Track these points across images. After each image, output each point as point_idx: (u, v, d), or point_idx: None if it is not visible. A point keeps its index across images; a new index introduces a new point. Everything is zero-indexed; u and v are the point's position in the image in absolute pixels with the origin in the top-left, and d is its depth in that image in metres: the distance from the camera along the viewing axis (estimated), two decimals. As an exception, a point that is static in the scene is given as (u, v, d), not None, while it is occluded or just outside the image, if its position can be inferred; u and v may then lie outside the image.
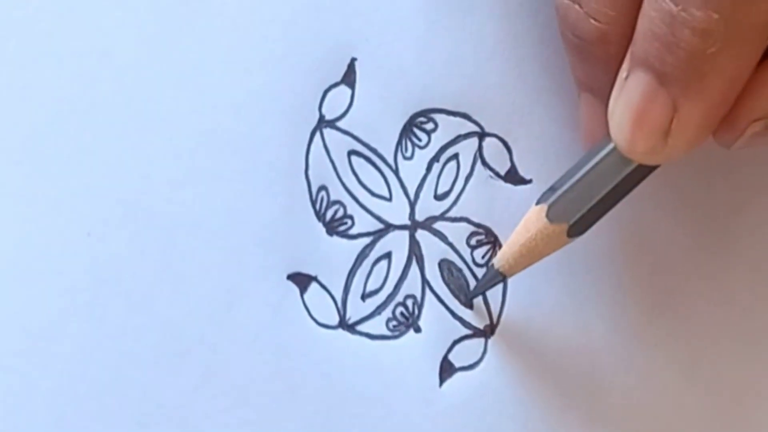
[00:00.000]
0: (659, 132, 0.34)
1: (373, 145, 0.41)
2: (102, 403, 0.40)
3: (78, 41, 0.40)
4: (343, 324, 0.41)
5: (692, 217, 0.41)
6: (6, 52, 0.40)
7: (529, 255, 0.38)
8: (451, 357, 0.41)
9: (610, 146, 0.36)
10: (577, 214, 0.37)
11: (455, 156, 0.41)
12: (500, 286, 0.41)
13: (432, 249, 0.41)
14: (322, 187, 0.40)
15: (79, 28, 0.40)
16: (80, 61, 0.40)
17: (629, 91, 0.34)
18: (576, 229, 0.37)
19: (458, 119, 0.41)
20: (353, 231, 0.41)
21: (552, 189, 0.37)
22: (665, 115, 0.34)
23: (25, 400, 0.40)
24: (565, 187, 0.37)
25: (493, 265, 0.39)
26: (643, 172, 0.36)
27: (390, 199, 0.41)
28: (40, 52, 0.40)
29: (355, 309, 0.41)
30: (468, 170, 0.41)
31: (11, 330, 0.40)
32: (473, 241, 0.41)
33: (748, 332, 0.41)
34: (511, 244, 0.38)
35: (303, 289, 0.40)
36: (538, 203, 0.38)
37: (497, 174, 0.41)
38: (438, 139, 0.41)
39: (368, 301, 0.41)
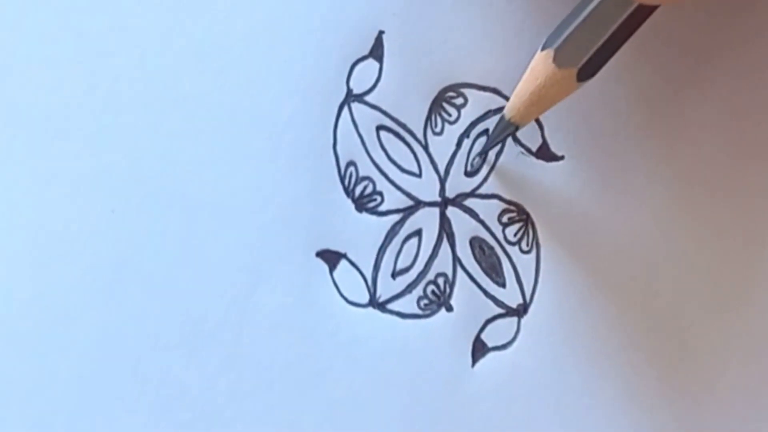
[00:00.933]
0: None
1: (402, 120, 0.40)
2: (124, 385, 0.40)
3: (104, 20, 0.40)
4: (374, 302, 0.40)
5: (726, 199, 0.41)
6: (32, 33, 0.40)
7: (540, 102, 0.38)
8: (483, 336, 0.40)
9: None
10: (585, 57, 0.37)
11: (486, 132, 0.40)
12: (533, 264, 0.40)
13: (463, 226, 0.40)
14: (351, 163, 0.40)
15: (106, 8, 0.40)
16: (100, 38, 0.40)
17: None
18: (585, 73, 0.37)
19: (488, 94, 0.40)
20: (383, 207, 0.40)
21: (556, 33, 0.37)
22: None
23: (47, 380, 0.40)
24: (569, 31, 0.37)
25: (503, 116, 0.39)
26: (645, 11, 0.36)
27: (420, 176, 0.40)
28: (67, 32, 0.40)
29: (386, 287, 0.40)
30: (499, 147, 0.40)
31: (34, 309, 0.40)
32: (505, 219, 0.40)
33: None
34: (519, 93, 0.38)
35: (332, 267, 0.40)
36: (543, 49, 0.37)
37: (529, 150, 0.40)
38: (468, 115, 0.40)
39: (399, 279, 0.40)
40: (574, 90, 0.37)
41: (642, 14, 0.36)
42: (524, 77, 0.38)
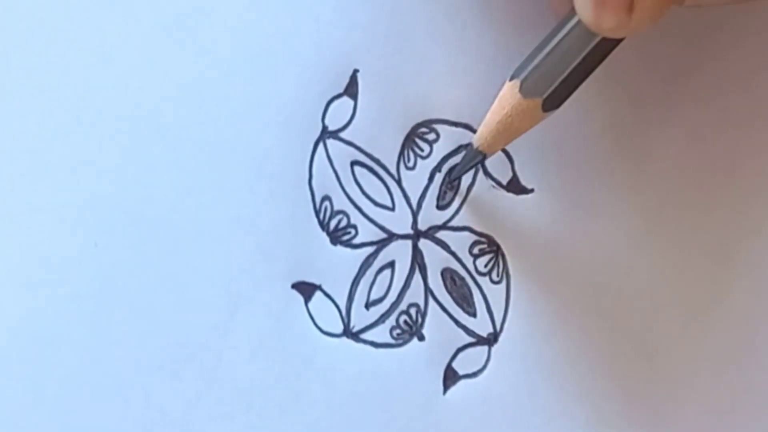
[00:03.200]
0: (622, 8, 0.34)
1: (376, 155, 0.41)
2: (106, 409, 0.40)
3: (81, 53, 0.40)
4: (348, 332, 0.41)
5: (693, 224, 0.41)
6: (10, 65, 0.41)
7: (506, 132, 0.38)
8: (454, 365, 0.41)
9: (576, 19, 0.36)
10: (550, 87, 0.37)
11: (457, 166, 0.41)
12: (503, 294, 0.41)
13: (435, 258, 0.41)
14: (326, 197, 0.41)
15: (82, 40, 0.40)
16: (84, 73, 0.40)
17: None
18: (550, 103, 0.38)
19: (460, 129, 0.41)
20: (357, 240, 0.41)
21: (523, 65, 0.38)
22: None
23: (30, 406, 0.40)
24: (535, 62, 0.37)
25: (472, 144, 0.39)
26: (610, 43, 0.37)
27: (393, 209, 0.41)
28: (44, 64, 0.40)
29: (359, 317, 0.41)
30: (470, 180, 0.41)
31: (18, 337, 0.40)
32: (476, 250, 0.41)
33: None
34: (488, 122, 0.38)
35: (307, 298, 0.41)
36: (511, 79, 0.38)
37: (499, 184, 0.41)
38: (440, 149, 0.41)
39: (372, 309, 0.41)
40: (540, 120, 0.38)
41: (607, 46, 0.37)
42: (492, 107, 0.38)
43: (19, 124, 0.40)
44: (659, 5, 0.34)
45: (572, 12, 0.36)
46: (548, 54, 0.37)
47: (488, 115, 0.38)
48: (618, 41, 0.37)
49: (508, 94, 0.38)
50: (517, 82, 0.37)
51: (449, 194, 0.41)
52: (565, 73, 0.37)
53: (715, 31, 0.42)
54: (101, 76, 0.40)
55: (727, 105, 0.41)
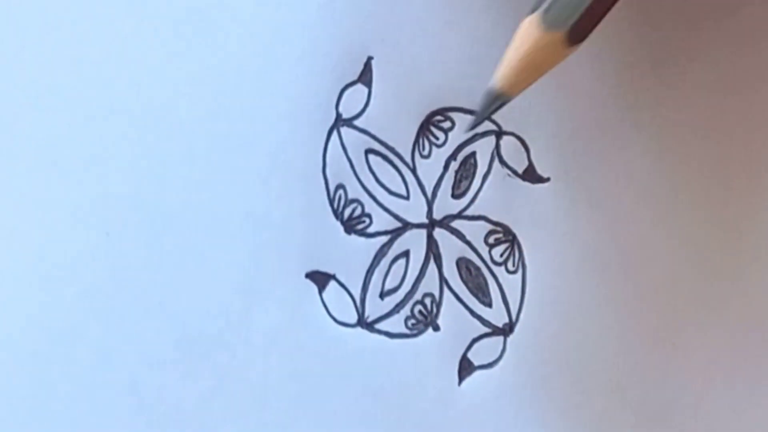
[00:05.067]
0: None
1: (391, 143, 0.41)
2: (119, 404, 0.40)
3: (92, 46, 0.40)
4: (362, 322, 0.41)
5: (711, 214, 0.41)
6: (24, 60, 0.40)
7: (529, 70, 0.35)
8: (470, 355, 0.41)
9: None
10: (574, 16, 0.34)
11: (472, 154, 0.41)
12: (519, 284, 0.41)
13: (450, 247, 0.41)
14: (340, 186, 0.40)
15: (97, 31, 0.40)
16: (98, 64, 0.40)
17: None
18: (575, 36, 0.35)
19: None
20: (371, 229, 0.41)
21: None
22: None
23: (42, 401, 0.40)
24: None
25: (491, 87, 0.36)
26: None
27: (408, 198, 0.41)
28: (56, 59, 0.40)
29: (374, 307, 0.41)
30: (485, 169, 0.41)
31: (29, 330, 0.40)
32: (491, 240, 0.41)
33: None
34: (507, 60, 0.35)
35: (321, 288, 0.40)
36: (530, 13, 0.35)
37: (515, 172, 0.41)
38: (455, 138, 0.41)
39: (387, 299, 0.41)
40: (565, 56, 0.35)
41: None
42: (511, 44, 0.35)
43: (31, 117, 0.40)
44: None
45: None
46: None
47: (508, 52, 0.35)
48: None
49: (528, 28, 0.35)
50: (537, 15, 0.35)
51: (464, 183, 0.41)
52: (589, 2, 0.34)
53: (742, 21, 0.41)
54: (113, 67, 0.40)
55: (750, 95, 0.41)
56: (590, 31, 0.35)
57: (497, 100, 0.36)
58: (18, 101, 0.40)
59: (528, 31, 0.35)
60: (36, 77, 0.40)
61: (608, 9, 0.35)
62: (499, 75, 0.35)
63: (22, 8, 0.40)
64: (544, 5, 0.35)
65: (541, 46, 0.35)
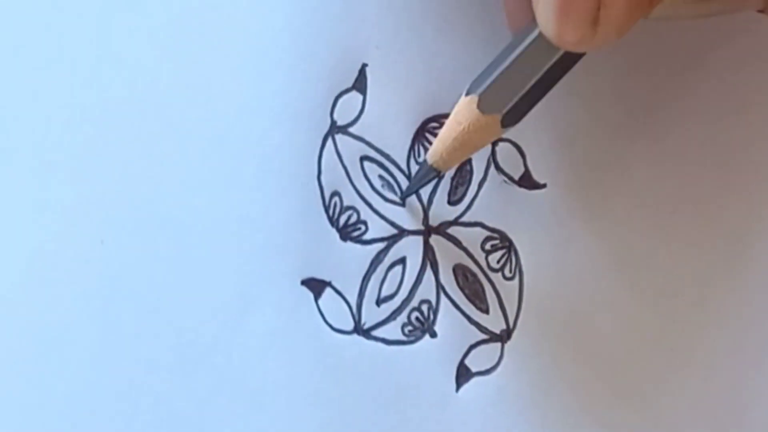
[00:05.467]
0: (587, 21, 0.32)
1: (386, 150, 0.41)
2: (115, 409, 0.40)
3: (91, 50, 0.40)
4: (359, 329, 0.41)
5: (707, 220, 0.41)
6: (19, 63, 0.41)
7: (463, 148, 0.37)
8: (467, 362, 0.41)
9: (537, 31, 0.35)
10: (509, 103, 0.36)
11: (468, 161, 0.41)
12: (516, 291, 0.41)
13: (446, 254, 0.41)
14: (335, 193, 0.40)
15: (92, 37, 0.40)
16: (92, 70, 0.40)
17: None
18: (509, 119, 0.36)
19: (470, 123, 0.41)
20: (367, 236, 0.41)
21: (480, 79, 0.36)
22: (591, 3, 0.32)
23: (38, 406, 0.40)
24: (494, 76, 0.36)
25: (426, 160, 0.38)
26: (572, 57, 0.35)
27: (403, 205, 0.41)
28: (53, 62, 0.40)
29: (370, 314, 0.41)
30: (482, 175, 0.41)
31: (25, 335, 0.40)
32: (488, 246, 0.41)
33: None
34: (443, 138, 0.37)
35: (317, 295, 0.40)
36: (467, 94, 0.36)
37: (511, 179, 0.41)
38: (451, 145, 0.41)
39: (383, 306, 0.41)
40: (499, 136, 0.37)
41: (569, 60, 0.35)
42: (448, 122, 0.37)
43: (25, 121, 0.40)
44: (626, 19, 0.33)
45: (532, 24, 0.35)
46: (507, 68, 0.36)
47: (444, 130, 0.37)
48: (581, 55, 0.35)
49: (465, 109, 0.36)
50: (474, 98, 0.36)
51: (460, 189, 0.41)
52: (526, 89, 0.36)
53: (734, 26, 0.41)
54: (109, 76, 0.40)
55: (745, 101, 0.41)
56: (524, 115, 0.36)
57: (431, 173, 0.38)
58: (13, 109, 0.40)
59: (465, 112, 0.36)
60: (29, 86, 0.41)
61: (542, 96, 0.36)
62: (434, 151, 0.37)
63: (17, 12, 0.41)
64: (481, 89, 0.36)
65: (477, 127, 0.36)
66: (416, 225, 0.41)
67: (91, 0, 0.40)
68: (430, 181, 0.39)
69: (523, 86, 0.36)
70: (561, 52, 0.35)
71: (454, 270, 0.41)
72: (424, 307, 0.41)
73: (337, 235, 0.41)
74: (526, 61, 0.36)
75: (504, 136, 0.40)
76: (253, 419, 0.40)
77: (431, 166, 0.38)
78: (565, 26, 0.33)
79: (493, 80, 0.36)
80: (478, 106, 0.36)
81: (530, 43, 0.35)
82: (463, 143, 0.37)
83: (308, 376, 0.40)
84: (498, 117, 0.36)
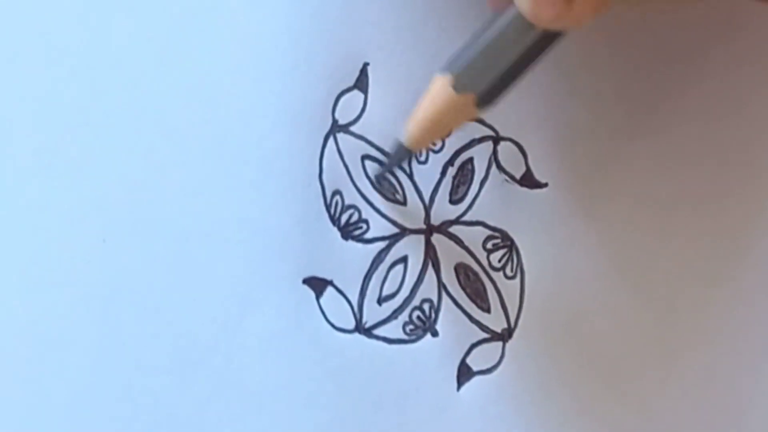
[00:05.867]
0: None
1: (387, 149, 0.40)
2: (116, 409, 0.40)
3: (92, 52, 0.40)
4: (360, 328, 0.41)
5: (709, 219, 0.41)
6: (18, 64, 0.41)
7: (436, 128, 0.36)
8: (468, 361, 0.41)
9: (515, 11, 0.34)
10: (485, 83, 0.35)
11: (470, 160, 0.41)
12: (518, 290, 0.41)
13: (448, 253, 0.41)
14: (336, 192, 0.40)
15: (93, 39, 0.40)
16: (94, 71, 0.40)
17: None
18: (484, 100, 0.36)
19: (472, 123, 0.41)
20: (368, 235, 0.41)
21: (456, 58, 0.36)
22: None
23: (37, 406, 0.40)
24: (470, 55, 0.35)
25: (398, 140, 0.38)
26: (550, 38, 0.35)
27: (405, 204, 0.41)
28: (55, 63, 0.40)
29: (372, 313, 0.41)
30: (483, 174, 0.41)
31: (25, 336, 0.40)
32: (489, 245, 0.41)
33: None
34: (416, 118, 0.37)
35: (319, 294, 0.40)
36: (441, 73, 0.36)
37: (512, 178, 0.41)
38: (452, 144, 0.41)
39: (384, 305, 0.41)
40: (474, 117, 0.37)
41: (546, 40, 0.35)
42: (422, 101, 0.37)
43: (27, 121, 0.40)
44: None
45: (510, 2, 0.34)
46: (484, 48, 0.35)
47: (417, 110, 0.37)
48: (557, 36, 0.35)
49: (440, 88, 0.36)
50: (449, 76, 0.36)
51: (462, 188, 0.41)
52: (502, 69, 0.35)
53: (735, 23, 0.41)
54: (109, 72, 0.40)
55: (746, 99, 0.41)
56: (500, 96, 0.36)
57: (404, 153, 0.38)
58: (14, 109, 0.40)
59: (439, 91, 0.36)
60: (31, 87, 0.40)
61: (519, 76, 0.35)
62: (407, 131, 0.37)
63: (18, 13, 0.41)
64: (457, 68, 0.35)
65: (451, 107, 0.36)
66: (418, 224, 0.41)
67: (93, 2, 0.40)
68: (403, 160, 0.39)
69: (499, 67, 0.35)
70: (538, 32, 0.35)
71: (455, 269, 0.41)
72: (426, 306, 0.41)
73: (338, 234, 0.41)
74: (502, 41, 0.35)
75: (505, 135, 0.40)
76: (254, 418, 0.40)
77: (405, 146, 0.38)
78: (540, 2, 0.33)
79: (468, 59, 0.35)
80: (453, 86, 0.36)
81: (507, 23, 0.35)
82: (436, 123, 0.36)
83: (309, 375, 0.40)
84: (473, 97, 0.36)
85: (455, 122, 0.36)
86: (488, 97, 0.36)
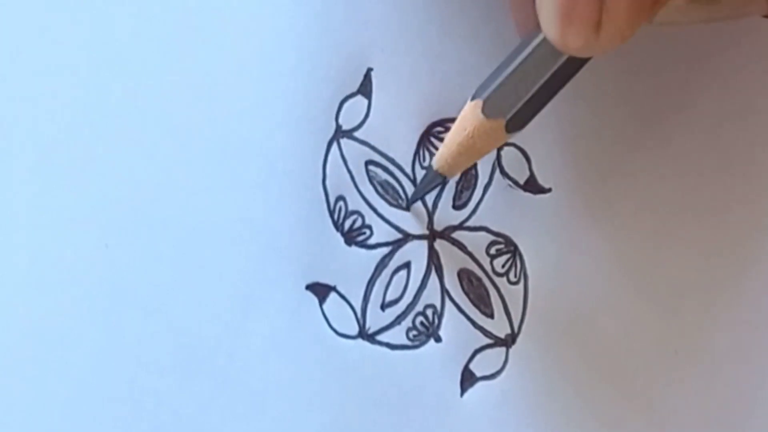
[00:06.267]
0: (590, 25, 0.32)
1: (391, 154, 0.40)
2: (119, 411, 0.40)
3: (95, 55, 0.40)
4: (363, 334, 0.41)
5: (712, 223, 0.41)
6: (21, 65, 0.41)
7: (468, 154, 0.37)
8: (472, 366, 0.41)
9: (542, 36, 0.35)
10: (514, 108, 0.36)
11: (473, 165, 0.41)
12: (521, 295, 0.41)
13: (451, 258, 0.41)
14: (340, 197, 0.40)
15: (96, 41, 0.40)
16: (97, 73, 0.40)
17: None
18: (514, 124, 0.36)
19: (475, 128, 0.41)
20: (372, 241, 0.41)
21: (486, 84, 0.36)
22: (593, 7, 0.32)
23: (41, 408, 0.40)
24: (499, 81, 0.36)
25: (431, 166, 0.38)
26: (577, 63, 0.35)
27: (408, 209, 0.41)
28: (54, 64, 0.40)
29: (375, 319, 0.41)
30: (486, 179, 0.41)
31: (28, 338, 0.40)
32: (493, 251, 0.41)
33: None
34: (448, 143, 0.37)
35: (322, 300, 0.40)
36: (473, 99, 0.37)
37: (516, 183, 0.41)
38: (456, 149, 0.41)
39: (388, 311, 0.41)
40: (503, 141, 0.37)
41: (574, 65, 0.35)
42: (453, 127, 0.37)
43: (29, 124, 0.40)
44: (629, 23, 0.33)
45: (538, 28, 0.34)
46: (512, 73, 0.36)
47: (449, 136, 0.37)
48: (585, 60, 0.35)
49: (470, 114, 0.37)
50: (479, 102, 0.36)
51: (465, 194, 0.41)
52: (530, 94, 0.36)
53: (741, 28, 0.41)
54: (112, 76, 0.40)
55: (750, 105, 0.41)
56: (529, 120, 0.36)
57: (437, 179, 0.38)
58: (16, 112, 0.40)
59: (470, 117, 0.36)
60: (33, 89, 0.40)
61: (547, 101, 0.36)
62: (440, 157, 0.38)
63: (21, 14, 0.40)
64: (486, 94, 0.36)
65: (481, 132, 0.36)
66: (421, 229, 0.41)
67: (96, 3, 0.40)
68: (435, 186, 0.40)
69: (528, 91, 0.36)
70: (565, 57, 0.35)
71: (458, 274, 0.41)
72: (429, 312, 0.41)
73: (341, 240, 0.40)
74: (530, 66, 0.36)
75: (509, 140, 0.40)
76: (256, 423, 0.40)
77: (437, 171, 0.38)
78: (568, 31, 0.33)
79: (497, 85, 0.36)
80: (483, 111, 0.36)
81: (535, 48, 0.35)
82: (468, 148, 0.37)
83: (312, 380, 0.40)
84: (502, 122, 0.36)
85: (486, 147, 0.37)
86: (517, 121, 0.36)
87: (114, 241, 0.40)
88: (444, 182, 0.39)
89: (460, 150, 0.37)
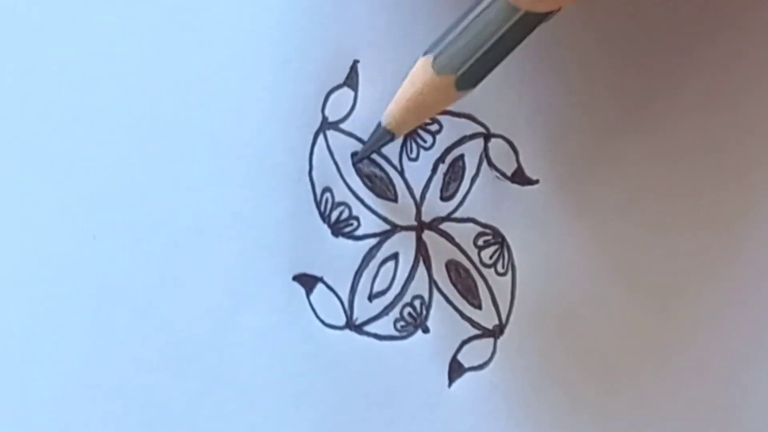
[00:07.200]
0: None
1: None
2: (107, 407, 0.40)
3: (81, 47, 0.40)
4: (351, 325, 0.41)
5: (703, 217, 0.41)
6: (11, 58, 0.41)
7: (417, 111, 0.37)
8: (460, 357, 0.41)
9: None
10: (464, 65, 0.36)
11: (461, 157, 0.41)
12: (509, 286, 0.41)
13: (439, 250, 0.41)
14: (327, 189, 0.40)
15: (83, 34, 0.40)
16: (84, 67, 0.40)
17: None
18: (464, 82, 0.36)
19: (463, 120, 0.41)
20: (359, 232, 0.41)
21: (438, 40, 0.36)
22: None
23: (29, 405, 0.40)
24: (450, 37, 0.36)
25: (380, 123, 0.38)
26: (532, 21, 0.35)
27: (396, 201, 0.41)
28: (45, 57, 0.40)
29: (363, 310, 0.41)
30: (474, 171, 0.41)
31: (16, 334, 0.40)
32: (480, 242, 0.41)
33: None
34: (397, 99, 0.37)
35: (309, 290, 0.40)
36: (424, 55, 0.36)
37: (504, 175, 0.41)
38: (443, 141, 0.41)
39: (375, 301, 0.41)
40: (454, 99, 0.37)
41: (529, 24, 0.35)
42: (403, 83, 0.37)
43: (16, 118, 0.40)
44: None
45: None
46: (464, 29, 0.35)
47: (399, 92, 0.37)
48: (540, 19, 0.35)
49: (421, 69, 0.36)
50: (430, 58, 0.36)
51: (453, 185, 0.41)
52: (482, 51, 0.35)
53: (729, 16, 0.41)
54: (99, 69, 0.40)
55: (738, 94, 0.41)
56: (481, 79, 0.36)
57: (386, 136, 0.38)
58: (2, 104, 0.40)
59: (420, 73, 0.36)
60: (19, 83, 0.40)
61: (501, 59, 0.36)
62: (389, 113, 0.37)
63: (10, 11, 0.41)
64: (437, 49, 0.36)
65: (431, 88, 0.36)
66: (409, 221, 0.41)
67: (83, -5, 0.41)
68: (384, 144, 0.39)
69: (479, 48, 0.35)
70: (519, 14, 0.35)
71: (446, 266, 0.41)
72: (417, 303, 0.41)
73: (328, 231, 0.41)
74: (483, 23, 0.35)
75: (496, 131, 0.40)
76: (245, 415, 0.40)
77: (385, 128, 0.38)
78: None
79: (449, 41, 0.36)
80: (433, 67, 0.36)
81: (489, 4, 0.35)
82: (417, 105, 0.36)
83: (300, 371, 0.40)
84: (452, 78, 0.36)
85: (436, 104, 0.37)
86: (468, 79, 0.36)
87: (101, 234, 0.40)
88: (392, 139, 0.38)
89: (409, 106, 0.37)
